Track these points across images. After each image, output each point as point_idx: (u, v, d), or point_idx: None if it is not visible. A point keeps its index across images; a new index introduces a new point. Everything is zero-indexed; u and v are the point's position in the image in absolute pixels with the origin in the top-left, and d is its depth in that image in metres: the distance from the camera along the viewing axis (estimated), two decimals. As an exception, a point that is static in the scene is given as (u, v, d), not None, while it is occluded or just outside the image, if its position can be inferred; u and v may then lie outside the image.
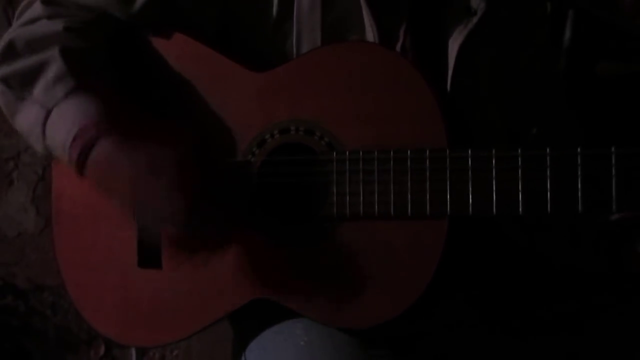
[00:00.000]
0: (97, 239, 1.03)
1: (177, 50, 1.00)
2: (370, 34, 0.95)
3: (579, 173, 0.79)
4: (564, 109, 1.10)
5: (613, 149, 0.77)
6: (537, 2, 1.09)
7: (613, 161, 0.78)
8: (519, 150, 0.81)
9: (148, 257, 0.98)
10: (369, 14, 0.95)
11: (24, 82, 0.99)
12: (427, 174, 0.85)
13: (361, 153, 0.88)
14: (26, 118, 1.00)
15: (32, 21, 1.02)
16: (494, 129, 0.99)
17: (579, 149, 0.79)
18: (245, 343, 0.96)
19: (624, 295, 0.93)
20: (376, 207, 0.87)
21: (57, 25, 1.00)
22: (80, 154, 0.93)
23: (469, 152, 0.84)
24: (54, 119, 0.96)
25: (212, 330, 1.00)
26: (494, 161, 0.82)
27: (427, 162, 0.85)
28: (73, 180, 1.02)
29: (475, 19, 0.96)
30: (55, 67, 0.98)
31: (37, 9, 1.03)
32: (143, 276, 0.99)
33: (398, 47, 0.97)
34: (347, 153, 0.89)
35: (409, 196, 0.86)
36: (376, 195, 0.87)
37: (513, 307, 0.97)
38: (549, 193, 0.80)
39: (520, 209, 0.81)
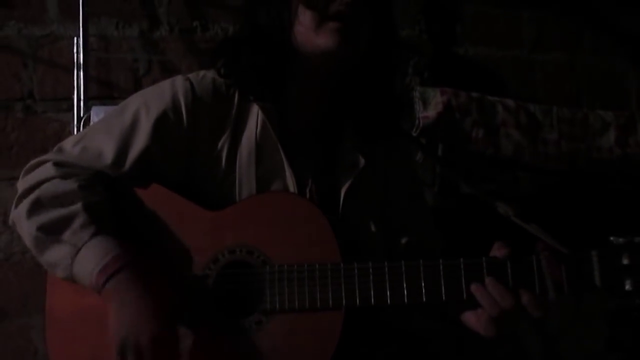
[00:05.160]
0: (83, 342, 1.19)
1: (153, 195, 1.24)
2: (290, 181, 1.24)
3: (422, 276, 1.11)
4: (428, 221, 1.38)
5: (441, 260, 1.10)
6: (405, 150, 1.41)
7: (441, 268, 1.11)
8: (385, 263, 1.13)
9: None
10: (289, 168, 1.24)
11: (55, 229, 1.17)
12: (329, 280, 1.14)
13: (285, 267, 1.15)
14: (56, 253, 1.17)
15: (47, 180, 1.21)
16: (374, 241, 1.28)
17: (421, 261, 1.11)
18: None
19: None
20: (296, 303, 1.14)
21: (72, 185, 1.19)
22: (105, 281, 1.12)
23: (355, 264, 1.13)
24: (82, 255, 1.15)
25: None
26: (370, 270, 1.13)
27: (329, 272, 1.14)
28: (65, 295, 1.22)
29: (356, 171, 1.27)
30: (80, 218, 1.17)
31: (50, 170, 1.22)
32: None
33: (307, 190, 1.26)
34: (276, 267, 1.16)
35: (318, 295, 1.14)
36: (296, 294, 1.14)
37: None
38: (405, 290, 1.11)
39: (388, 301, 1.12)
